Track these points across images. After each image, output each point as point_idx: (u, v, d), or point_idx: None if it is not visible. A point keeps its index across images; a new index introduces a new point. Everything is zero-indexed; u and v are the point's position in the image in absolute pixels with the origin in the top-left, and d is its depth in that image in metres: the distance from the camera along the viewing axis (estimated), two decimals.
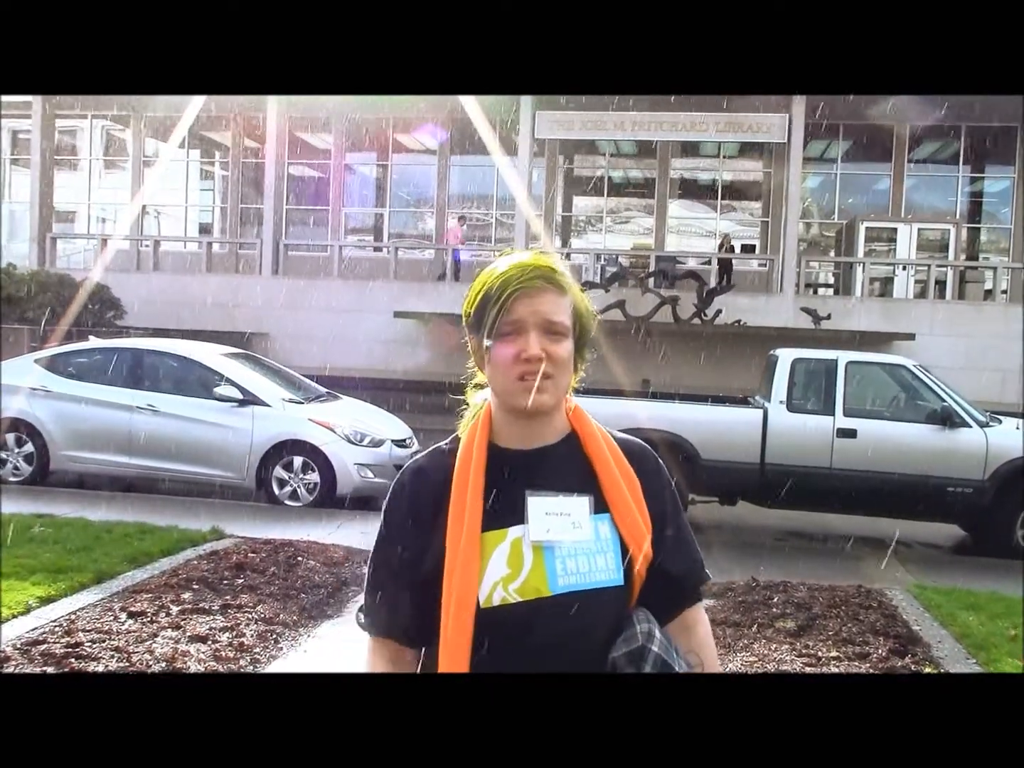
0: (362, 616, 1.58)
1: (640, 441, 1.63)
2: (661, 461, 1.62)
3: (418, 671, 1.53)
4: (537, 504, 1.48)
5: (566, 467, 1.52)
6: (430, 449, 1.61)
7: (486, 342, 1.48)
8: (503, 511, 1.47)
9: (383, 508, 1.58)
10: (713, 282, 18.47)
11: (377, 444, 8.87)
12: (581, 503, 1.49)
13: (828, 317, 16.64)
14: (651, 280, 18.35)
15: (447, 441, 1.59)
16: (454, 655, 1.42)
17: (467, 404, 1.62)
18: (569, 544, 1.47)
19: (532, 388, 1.44)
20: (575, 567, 1.46)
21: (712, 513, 8.74)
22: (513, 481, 1.49)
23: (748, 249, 22.91)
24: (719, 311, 16.57)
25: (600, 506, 1.51)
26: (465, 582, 1.43)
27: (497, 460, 1.51)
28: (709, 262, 21.00)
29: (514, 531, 1.47)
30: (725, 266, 20.50)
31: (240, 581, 5.65)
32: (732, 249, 21.49)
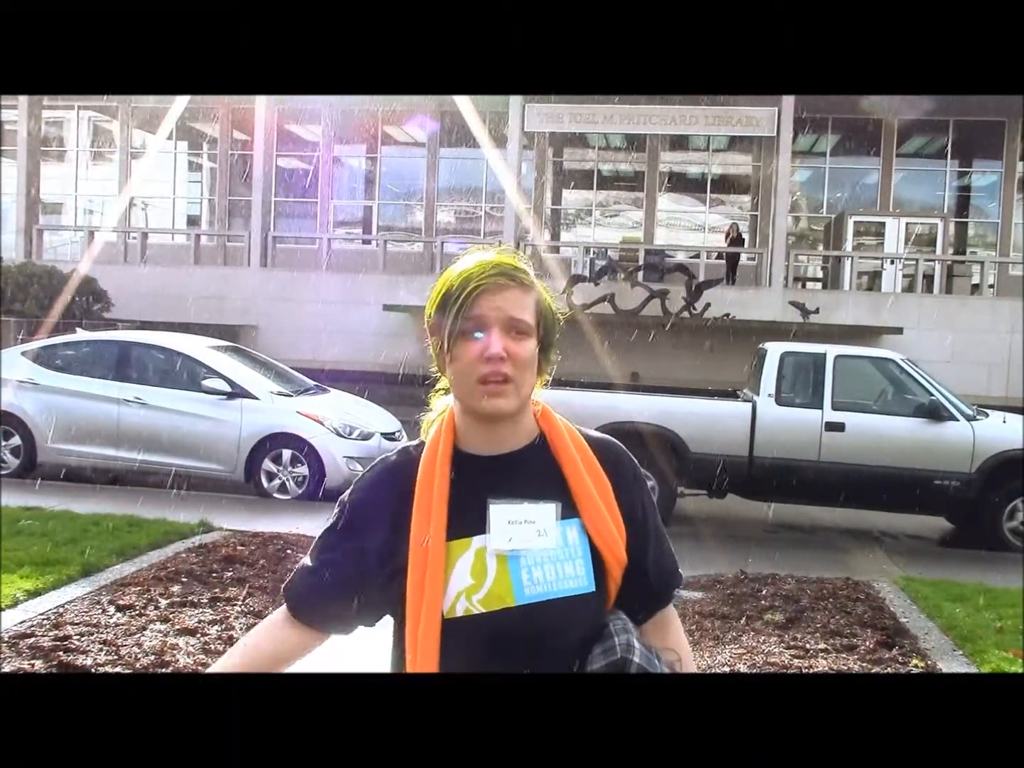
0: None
1: (614, 440, 1.57)
2: (635, 460, 1.57)
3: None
4: (500, 513, 1.42)
5: (533, 472, 1.47)
6: (399, 449, 1.57)
7: (447, 342, 1.43)
8: (468, 520, 1.43)
9: (344, 496, 1.53)
10: (716, 275, 18.47)
11: (366, 437, 8.85)
12: (547, 510, 1.44)
13: (816, 311, 16.69)
14: (640, 273, 18.36)
15: (414, 445, 1.55)
16: (422, 665, 1.39)
17: (429, 408, 1.57)
18: (535, 552, 1.42)
19: (492, 392, 1.39)
20: (542, 576, 1.42)
21: (701, 506, 8.76)
22: (478, 489, 1.44)
23: (737, 242, 22.94)
24: (708, 305, 16.61)
25: (570, 510, 1.46)
26: (429, 593, 1.39)
27: (462, 466, 1.46)
28: (698, 255, 21.00)
29: (478, 540, 1.43)
30: (731, 259, 20.46)
31: (229, 574, 5.64)
32: (740, 238, 21.34)
